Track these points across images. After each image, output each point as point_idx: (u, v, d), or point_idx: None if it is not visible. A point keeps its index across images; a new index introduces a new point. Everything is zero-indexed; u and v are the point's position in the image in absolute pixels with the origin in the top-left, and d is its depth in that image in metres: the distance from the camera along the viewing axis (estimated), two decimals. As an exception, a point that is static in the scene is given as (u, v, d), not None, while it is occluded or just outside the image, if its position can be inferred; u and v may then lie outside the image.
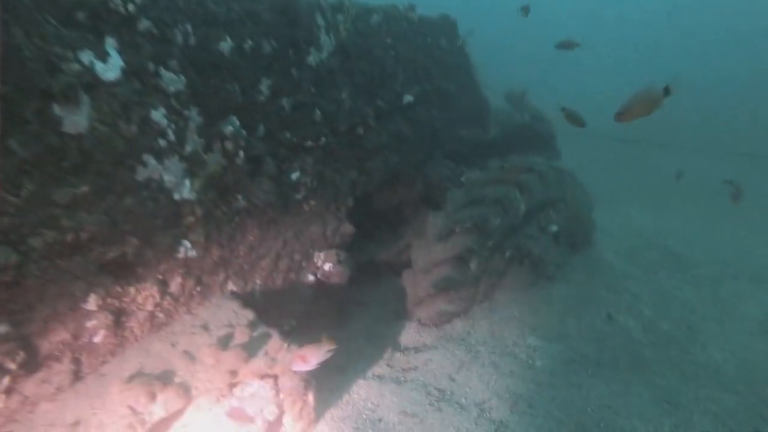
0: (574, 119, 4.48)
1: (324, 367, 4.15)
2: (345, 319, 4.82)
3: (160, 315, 3.14)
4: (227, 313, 3.33)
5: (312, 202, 4.35)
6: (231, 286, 3.67)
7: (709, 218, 9.13)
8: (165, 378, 2.70)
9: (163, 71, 2.88)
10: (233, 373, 2.81)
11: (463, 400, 3.71)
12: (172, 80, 2.94)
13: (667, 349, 4.47)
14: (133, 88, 2.70)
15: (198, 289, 3.38)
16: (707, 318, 5.10)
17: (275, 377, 2.97)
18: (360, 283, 5.30)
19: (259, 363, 2.93)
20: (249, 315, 3.33)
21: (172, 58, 2.94)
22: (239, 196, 3.56)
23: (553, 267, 5.56)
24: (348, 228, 4.83)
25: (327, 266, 4.46)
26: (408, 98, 5.63)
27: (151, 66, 2.80)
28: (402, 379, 3.94)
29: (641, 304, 5.31)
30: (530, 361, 4.25)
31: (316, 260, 4.48)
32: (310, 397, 3.09)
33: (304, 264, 4.39)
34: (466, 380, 3.97)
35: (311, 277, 4.40)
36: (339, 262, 4.51)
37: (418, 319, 4.86)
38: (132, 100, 2.70)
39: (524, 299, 5.18)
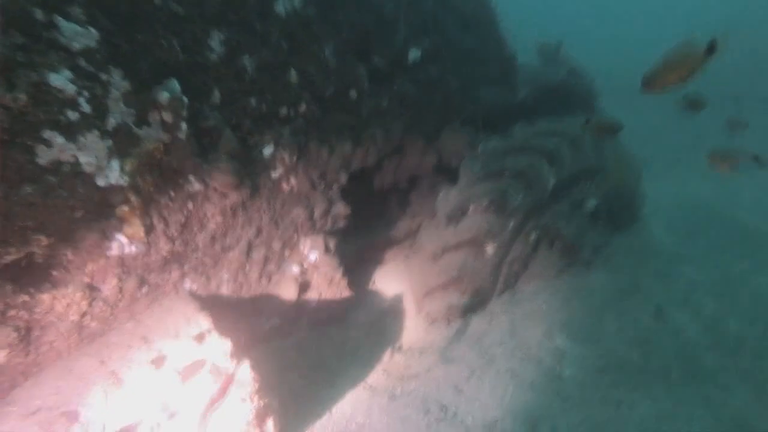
0: (697, 104, 4.51)
1: (310, 371, 3.63)
2: (341, 313, 4.22)
3: (93, 324, 2.63)
4: (176, 320, 2.78)
5: (293, 181, 3.71)
6: (189, 285, 3.12)
7: (785, 185, 7.74)
8: (75, 412, 2.18)
9: (61, 21, 2.24)
10: (164, 404, 2.26)
11: (469, 420, 3.05)
12: (77, 33, 2.30)
13: (737, 355, 3.56)
14: (13, 44, 2.09)
15: (143, 290, 2.84)
16: (790, 313, 4.09)
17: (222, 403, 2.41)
18: (362, 270, 4.68)
19: (197, 388, 2.36)
20: (202, 321, 2.77)
21: (73, 4, 2.29)
22: (192, 178, 2.95)
23: (589, 250, 4.68)
24: (341, 209, 4.17)
25: (313, 255, 3.83)
26: (415, 54, 4.77)
27: (39, 14, 2.17)
28: (398, 391, 3.31)
29: (701, 295, 4.35)
30: (557, 369, 3.50)
31: (302, 248, 3.87)
32: (269, 424, 2.52)
33: (286, 253, 3.79)
34: (475, 392, 3.29)
35: (296, 269, 3.80)
36: (328, 250, 3.87)
37: (427, 313, 4.19)
38: (14, 60, 2.09)
39: (553, 290, 4.37)
